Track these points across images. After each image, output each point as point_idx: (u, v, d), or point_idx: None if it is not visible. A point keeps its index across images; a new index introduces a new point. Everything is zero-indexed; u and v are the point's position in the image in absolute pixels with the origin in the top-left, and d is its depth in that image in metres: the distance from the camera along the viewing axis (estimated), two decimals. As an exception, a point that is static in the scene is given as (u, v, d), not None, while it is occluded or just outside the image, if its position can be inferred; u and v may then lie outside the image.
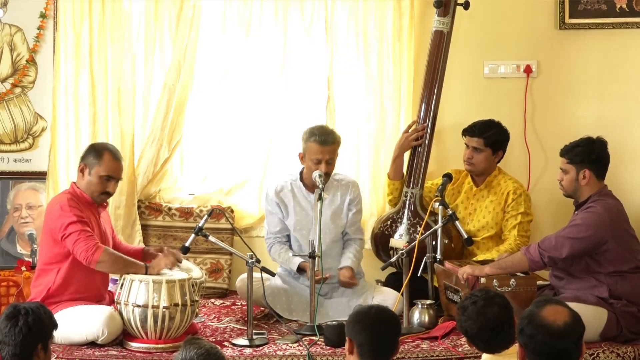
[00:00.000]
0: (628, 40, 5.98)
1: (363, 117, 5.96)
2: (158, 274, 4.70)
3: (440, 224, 5.21)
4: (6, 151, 5.88)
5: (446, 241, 5.43)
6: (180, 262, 4.90)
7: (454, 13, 5.61)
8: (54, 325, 3.52)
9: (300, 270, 5.19)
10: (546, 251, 4.76)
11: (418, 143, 5.66)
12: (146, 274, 4.68)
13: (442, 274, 5.13)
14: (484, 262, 5.08)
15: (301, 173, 5.37)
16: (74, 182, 4.87)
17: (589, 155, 4.87)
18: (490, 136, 5.52)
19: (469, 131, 5.56)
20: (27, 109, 5.88)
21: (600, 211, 4.78)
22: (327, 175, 5.20)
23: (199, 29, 5.86)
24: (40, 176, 5.83)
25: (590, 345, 4.62)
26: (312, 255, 4.88)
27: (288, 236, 5.37)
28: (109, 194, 4.88)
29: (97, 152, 4.83)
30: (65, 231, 4.63)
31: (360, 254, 5.41)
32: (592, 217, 4.77)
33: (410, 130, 5.68)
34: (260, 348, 4.68)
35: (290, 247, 5.36)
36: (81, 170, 4.82)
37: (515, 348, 3.56)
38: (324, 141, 5.18)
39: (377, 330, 3.43)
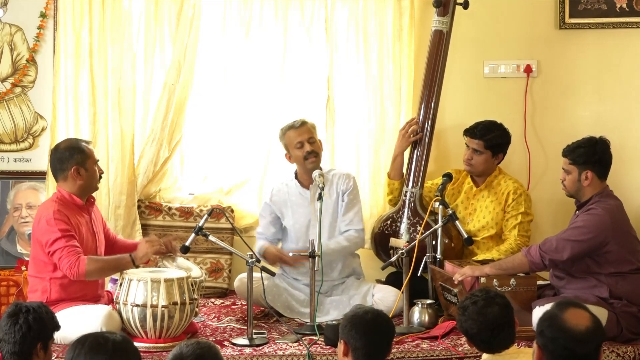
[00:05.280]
0: (628, 40, 5.99)
1: (363, 117, 5.96)
2: (157, 265, 4.70)
3: (440, 223, 5.21)
4: (6, 151, 5.88)
5: (446, 241, 5.43)
6: (174, 260, 4.91)
7: (453, 12, 5.62)
8: (56, 325, 3.51)
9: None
10: (547, 253, 4.75)
11: (416, 138, 5.65)
12: (134, 263, 4.69)
13: (437, 274, 5.13)
14: (484, 262, 5.08)
15: (295, 172, 5.43)
16: (60, 188, 4.84)
17: (592, 156, 4.86)
18: (490, 139, 5.51)
19: (470, 132, 5.55)
20: (27, 109, 5.88)
21: (602, 213, 4.77)
22: (314, 153, 5.27)
23: (199, 29, 5.86)
24: (40, 176, 5.83)
25: (590, 345, 4.62)
26: (312, 255, 4.89)
27: (272, 239, 5.43)
28: (101, 176, 4.96)
29: (77, 149, 4.83)
30: (51, 248, 4.65)
31: (351, 240, 5.32)
32: (594, 220, 4.77)
33: (405, 127, 5.68)
34: (260, 348, 4.68)
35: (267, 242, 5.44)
36: (77, 173, 4.79)
37: (515, 348, 3.57)
38: (294, 125, 5.35)
39: (373, 335, 3.44)
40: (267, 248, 5.32)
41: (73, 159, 4.80)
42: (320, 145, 5.38)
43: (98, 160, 4.93)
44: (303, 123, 5.36)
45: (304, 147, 5.29)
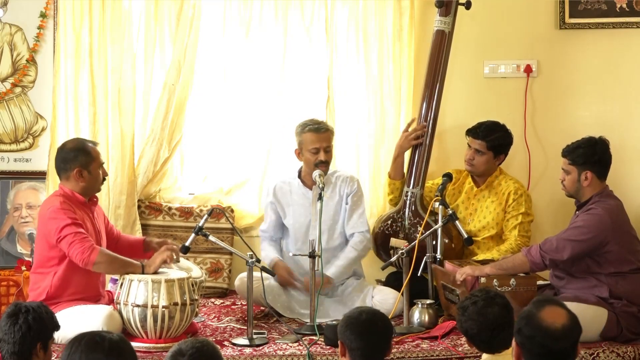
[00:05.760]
0: (628, 40, 5.99)
1: (363, 117, 5.96)
2: (156, 272, 4.70)
3: (440, 223, 5.21)
4: (6, 151, 5.88)
5: (446, 241, 5.43)
6: (178, 261, 4.90)
7: (455, 13, 5.61)
8: (55, 325, 3.51)
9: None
10: (547, 253, 4.75)
11: (418, 142, 5.66)
12: (143, 272, 4.68)
13: (440, 274, 5.13)
14: (484, 262, 5.08)
15: (299, 171, 5.40)
16: (62, 186, 4.84)
17: (591, 156, 4.86)
18: (493, 140, 5.51)
19: (472, 132, 5.55)
20: (27, 109, 5.88)
21: (602, 213, 4.78)
22: (326, 163, 5.24)
23: (199, 29, 5.86)
24: (40, 176, 5.83)
25: (590, 345, 4.63)
26: (312, 255, 4.88)
27: (279, 237, 5.45)
28: (105, 178, 4.94)
29: (83, 150, 4.82)
30: (60, 234, 4.63)
31: (358, 246, 5.34)
32: (593, 219, 4.77)
33: (410, 130, 5.68)
34: (260, 348, 4.68)
35: (274, 243, 5.46)
36: (80, 175, 4.79)
37: (515, 348, 3.57)
38: (318, 129, 5.27)
39: (368, 335, 3.43)
40: (277, 264, 5.27)
41: (77, 160, 4.80)
42: (332, 154, 5.34)
43: (103, 163, 4.93)
44: (326, 129, 5.31)
45: (318, 154, 5.24)
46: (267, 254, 5.38)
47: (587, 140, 4.93)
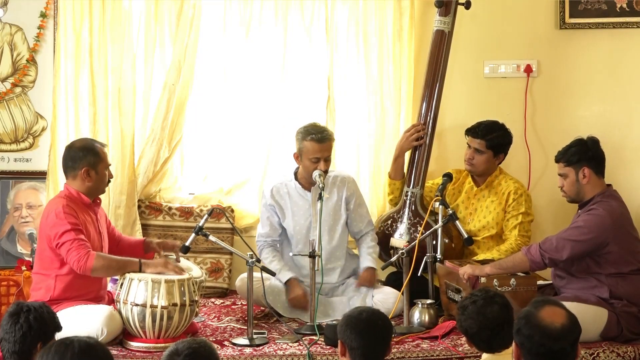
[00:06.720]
0: (628, 40, 5.99)
1: (363, 117, 5.96)
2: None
3: (440, 223, 5.21)
4: (6, 151, 5.88)
5: (447, 241, 5.43)
6: (178, 262, 4.90)
7: (455, 12, 5.61)
8: (57, 326, 3.51)
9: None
10: (547, 252, 4.75)
11: (419, 143, 5.66)
12: (140, 269, 4.69)
13: (444, 272, 5.12)
14: (484, 262, 5.08)
15: (295, 173, 5.38)
16: (68, 185, 4.85)
17: (585, 153, 4.87)
18: (492, 139, 5.51)
19: (472, 132, 5.55)
20: (28, 109, 5.88)
21: (603, 213, 4.77)
22: (325, 172, 5.21)
23: (199, 29, 5.86)
24: (40, 176, 5.83)
25: (590, 345, 4.63)
26: (312, 255, 4.88)
27: (278, 240, 5.39)
28: (110, 180, 4.95)
29: (92, 150, 4.83)
30: (59, 240, 4.64)
31: (376, 246, 5.40)
32: (594, 220, 4.76)
33: (411, 130, 5.68)
34: (261, 347, 4.68)
35: (278, 252, 5.38)
36: (87, 174, 4.79)
37: (515, 347, 3.57)
38: (320, 139, 5.20)
39: (368, 335, 3.44)
40: (292, 283, 5.17)
41: (85, 159, 4.80)
42: (330, 162, 5.29)
43: (110, 165, 4.93)
44: (328, 139, 5.23)
45: (318, 163, 5.18)
46: (278, 267, 5.24)
47: (577, 140, 4.94)
